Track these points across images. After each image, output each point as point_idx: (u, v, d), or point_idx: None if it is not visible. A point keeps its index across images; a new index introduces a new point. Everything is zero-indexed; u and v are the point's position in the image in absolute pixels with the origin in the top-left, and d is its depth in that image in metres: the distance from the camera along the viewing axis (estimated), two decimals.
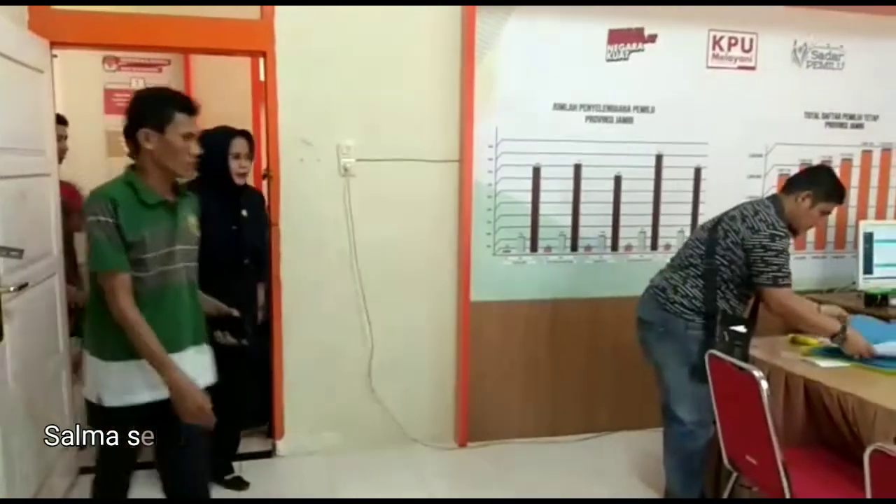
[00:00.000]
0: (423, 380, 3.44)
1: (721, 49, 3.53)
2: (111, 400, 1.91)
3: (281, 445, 3.32)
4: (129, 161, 1.95)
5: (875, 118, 3.81)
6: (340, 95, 3.16)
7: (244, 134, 2.86)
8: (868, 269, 3.58)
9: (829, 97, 3.71)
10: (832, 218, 3.79)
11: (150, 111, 1.88)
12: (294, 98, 3.12)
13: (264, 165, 3.52)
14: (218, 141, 2.69)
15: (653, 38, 3.43)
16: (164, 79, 4.78)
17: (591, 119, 3.45)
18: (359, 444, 3.37)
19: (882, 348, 2.42)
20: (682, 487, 2.69)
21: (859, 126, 3.80)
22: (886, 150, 3.86)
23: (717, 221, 2.66)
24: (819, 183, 2.57)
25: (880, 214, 3.90)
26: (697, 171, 3.60)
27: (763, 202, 2.62)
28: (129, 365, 1.88)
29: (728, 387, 2.20)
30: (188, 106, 1.91)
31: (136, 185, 1.88)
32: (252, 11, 3.09)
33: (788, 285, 2.47)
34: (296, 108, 3.14)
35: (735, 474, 2.33)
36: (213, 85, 4.60)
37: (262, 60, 3.15)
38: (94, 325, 1.94)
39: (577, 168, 3.46)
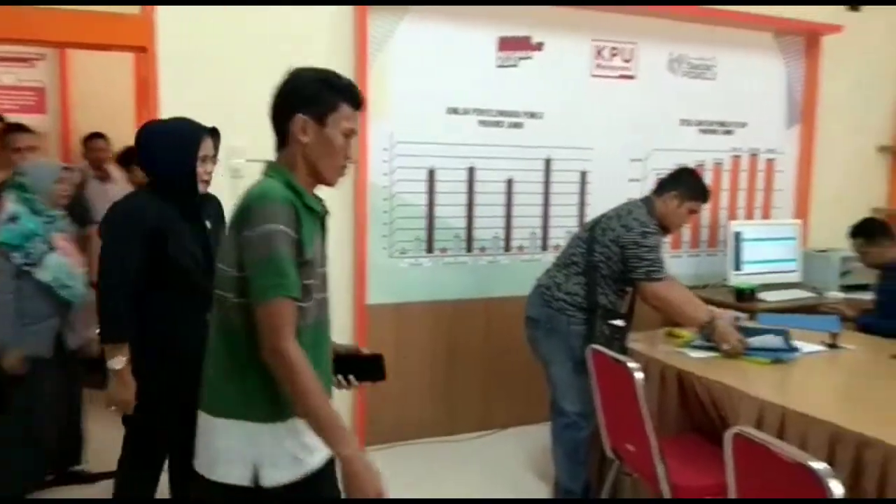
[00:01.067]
0: None
1: (604, 58, 3.71)
2: (282, 474, 1.47)
3: None
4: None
5: (743, 125, 4.12)
6: (229, 95, 3.07)
7: (213, 132, 2.30)
8: (737, 265, 3.86)
9: (702, 105, 3.98)
10: (705, 218, 4.07)
11: (311, 94, 1.49)
12: (178, 97, 3.00)
13: None
14: (186, 138, 2.17)
15: (540, 46, 3.56)
16: (37, 74, 4.48)
17: (483, 123, 3.53)
18: None
19: (756, 341, 2.60)
20: (569, 477, 2.80)
21: (729, 133, 4.09)
22: (753, 155, 4.18)
23: (597, 221, 2.81)
24: (684, 184, 2.76)
25: (749, 215, 4.21)
26: (583, 175, 3.76)
27: (636, 203, 2.79)
28: (296, 422, 1.47)
29: (607, 379, 2.32)
30: (356, 98, 1.53)
31: (297, 187, 1.49)
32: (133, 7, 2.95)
33: (661, 279, 2.64)
34: (180, 108, 3.00)
35: (617, 462, 2.46)
36: (93, 82, 4.36)
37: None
38: (235, 374, 1.48)
39: (471, 171, 3.54)
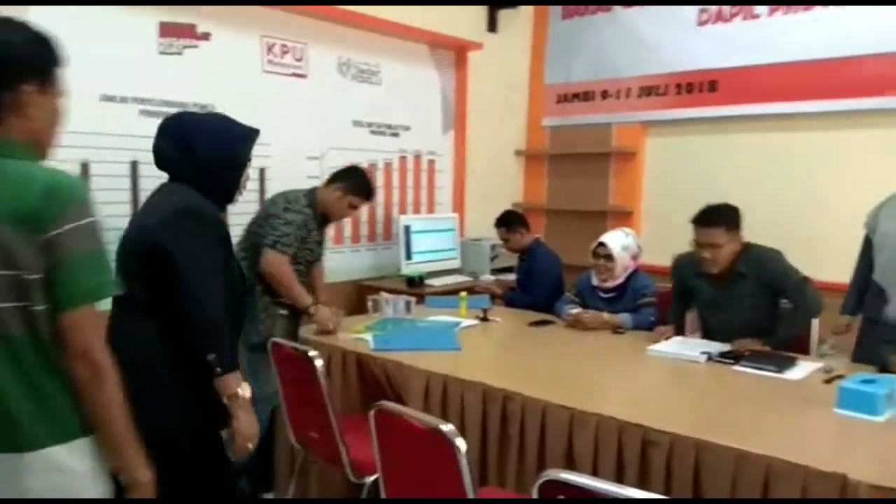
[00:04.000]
0: None
1: (275, 55, 3.71)
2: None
3: None
4: None
5: (408, 129, 4.49)
6: None
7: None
8: (408, 255, 4.21)
9: (370, 108, 4.23)
10: (380, 214, 4.35)
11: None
12: None
13: None
14: (245, 137, 1.92)
15: (206, 36, 3.41)
16: None
17: (146, 113, 3.26)
18: None
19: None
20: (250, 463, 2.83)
21: (396, 135, 4.43)
22: (417, 157, 4.59)
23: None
24: (348, 179, 2.98)
25: (416, 209, 4.61)
26: (262, 171, 3.72)
27: (303, 189, 3.01)
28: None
29: (290, 370, 2.35)
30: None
31: None
32: None
33: (284, 253, 2.84)
34: None
35: (304, 453, 2.50)
36: None
37: None
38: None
39: (135, 165, 3.24)
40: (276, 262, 2.82)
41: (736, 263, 2.71)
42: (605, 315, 3.04)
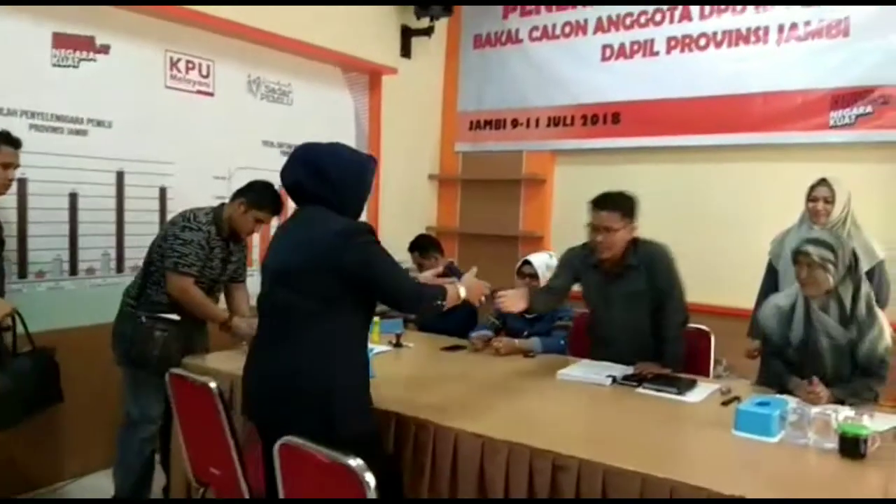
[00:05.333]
0: None
1: (179, 71, 3.58)
2: None
3: None
4: None
5: None
6: None
7: None
8: None
9: (281, 129, 4.14)
10: None
11: None
12: None
13: None
14: (371, 169, 2.11)
15: (106, 49, 3.25)
16: None
17: (36, 128, 3.06)
18: None
19: None
20: (131, 490, 2.79)
21: None
22: None
23: None
24: (250, 193, 2.85)
25: None
26: (163, 191, 3.56)
27: (207, 207, 2.91)
28: None
29: (187, 402, 2.22)
30: None
31: None
32: None
33: (188, 275, 2.74)
34: None
35: (202, 490, 2.36)
36: None
37: None
38: None
39: (22, 183, 3.02)
40: (180, 286, 2.72)
41: (627, 257, 2.77)
42: (517, 342, 3.06)
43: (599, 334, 2.95)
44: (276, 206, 2.88)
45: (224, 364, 2.65)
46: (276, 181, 3.99)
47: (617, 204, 2.72)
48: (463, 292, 2.14)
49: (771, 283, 3.19)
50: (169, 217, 3.53)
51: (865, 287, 2.41)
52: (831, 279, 2.35)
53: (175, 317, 2.78)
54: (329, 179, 1.94)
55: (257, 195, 2.83)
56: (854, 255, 2.39)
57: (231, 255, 2.93)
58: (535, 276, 3.17)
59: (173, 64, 3.55)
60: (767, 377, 2.64)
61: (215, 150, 3.77)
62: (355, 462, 1.53)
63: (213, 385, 2.06)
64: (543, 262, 3.22)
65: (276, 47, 3.97)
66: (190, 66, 3.62)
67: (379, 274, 1.91)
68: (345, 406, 1.87)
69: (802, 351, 2.46)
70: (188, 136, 3.63)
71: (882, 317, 2.41)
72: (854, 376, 2.41)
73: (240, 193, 2.86)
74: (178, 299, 2.75)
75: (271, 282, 1.96)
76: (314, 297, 1.86)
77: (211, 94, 3.73)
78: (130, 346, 2.75)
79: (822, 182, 3.10)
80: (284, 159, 4.26)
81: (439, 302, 2.05)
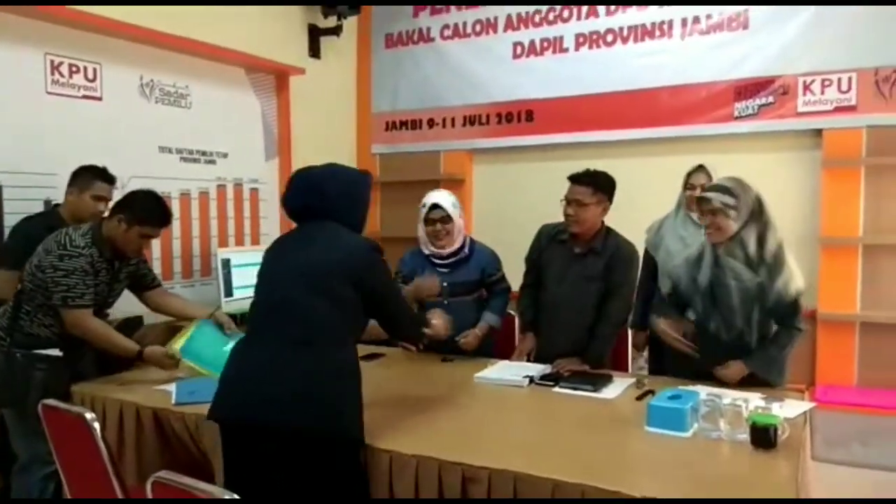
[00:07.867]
0: None
1: (62, 75, 3.31)
2: None
3: None
4: None
5: (225, 155, 4.20)
6: None
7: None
8: (229, 292, 3.90)
9: (180, 134, 3.90)
10: (196, 247, 4.01)
11: None
12: None
13: None
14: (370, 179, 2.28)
15: None
16: None
17: None
18: None
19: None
20: None
21: (212, 162, 4.13)
22: (238, 185, 4.31)
23: None
24: (131, 206, 2.53)
25: (239, 241, 4.32)
26: (47, 204, 3.27)
27: (83, 226, 2.57)
28: None
29: (65, 435, 2.01)
30: None
31: None
32: None
33: (81, 306, 2.46)
34: None
35: None
36: None
37: None
38: None
39: None
40: (75, 321, 2.45)
41: (595, 240, 2.78)
42: (477, 331, 2.92)
43: (543, 304, 2.91)
44: (163, 218, 2.58)
45: (107, 390, 2.43)
46: (177, 188, 3.85)
47: (592, 180, 2.73)
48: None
49: (647, 273, 3.18)
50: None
51: (774, 233, 2.34)
52: (733, 224, 2.33)
53: (56, 352, 2.49)
54: (330, 198, 2.02)
55: (140, 209, 2.53)
56: (759, 199, 2.34)
57: (119, 274, 2.67)
58: (447, 217, 2.91)
59: (55, 67, 3.28)
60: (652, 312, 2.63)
61: (106, 158, 3.47)
62: (231, 496, 1.39)
63: (89, 416, 1.86)
64: (449, 200, 2.93)
65: (171, 48, 3.74)
66: (74, 69, 3.36)
67: (391, 298, 2.07)
68: (355, 412, 1.91)
69: (710, 297, 2.43)
70: (75, 144, 3.35)
71: (793, 262, 2.36)
72: (766, 341, 2.39)
73: (118, 208, 2.55)
74: (83, 336, 2.49)
75: (281, 283, 1.96)
76: (330, 298, 1.91)
77: (99, 99, 3.47)
78: (3, 388, 2.45)
79: (700, 168, 3.14)
80: (186, 166, 4.02)
81: (424, 329, 2.27)
